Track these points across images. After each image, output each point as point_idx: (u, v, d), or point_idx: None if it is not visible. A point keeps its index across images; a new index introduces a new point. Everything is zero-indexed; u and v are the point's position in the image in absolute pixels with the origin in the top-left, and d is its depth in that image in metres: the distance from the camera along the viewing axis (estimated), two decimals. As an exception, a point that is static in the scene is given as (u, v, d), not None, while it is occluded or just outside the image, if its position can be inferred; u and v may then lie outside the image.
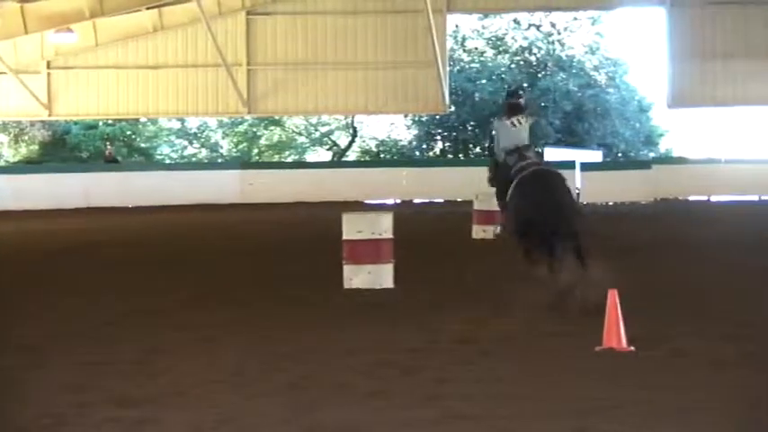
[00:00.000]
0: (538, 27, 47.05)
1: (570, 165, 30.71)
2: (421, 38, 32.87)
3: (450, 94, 36.75)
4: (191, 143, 51.45)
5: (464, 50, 47.58)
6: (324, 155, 50.64)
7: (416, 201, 31.55)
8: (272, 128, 50.94)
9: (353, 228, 12.68)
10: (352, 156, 49.46)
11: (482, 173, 13.18)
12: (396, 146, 49.23)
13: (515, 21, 46.87)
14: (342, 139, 50.72)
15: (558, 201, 11.22)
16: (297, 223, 24.71)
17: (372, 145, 50.29)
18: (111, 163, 36.49)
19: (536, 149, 13.55)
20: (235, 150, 50.87)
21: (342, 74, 34.31)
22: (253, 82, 34.55)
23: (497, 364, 8.37)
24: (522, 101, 12.30)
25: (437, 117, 44.33)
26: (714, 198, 31.22)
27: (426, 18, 30.99)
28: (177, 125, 50.27)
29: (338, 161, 46.12)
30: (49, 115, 35.80)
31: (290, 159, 49.48)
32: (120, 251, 19.00)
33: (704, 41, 33.20)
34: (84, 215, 28.93)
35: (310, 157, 50.72)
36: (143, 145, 48.98)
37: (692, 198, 31.23)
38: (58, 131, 44.47)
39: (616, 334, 8.65)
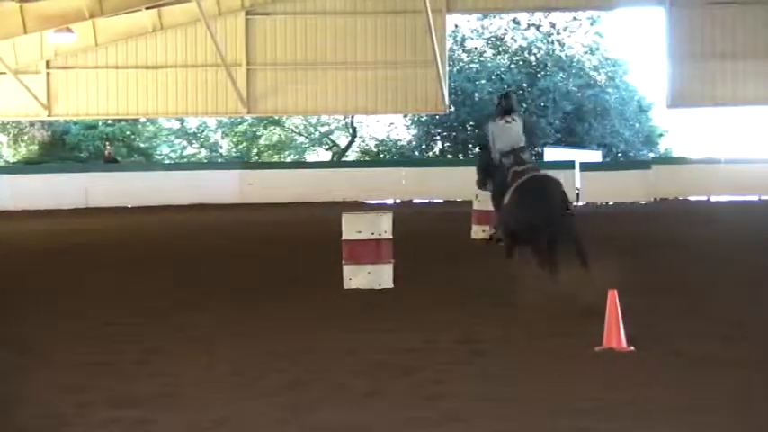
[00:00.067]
0: (537, 27, 47.01)
1: (570, 165, 30.79)
2: (420, 38, 32.84)
3: (450, 94, 36.75)
4: (190, 143, 51.41)
5: (464, 50, 47.53)
6: (323, 155, 50.61)
7: (416, 201, 31.53)
8: (272, 128, 50.91)
9: (353, 228, 12.69)
10: (351, 156, 49.43)
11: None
12: (395, 146, 49.18)
13: (515, 21, 46.85)
14: (341, 140, 50.70)
15: (555, 207, 11.54)
16: (296, 223, 24.68)
17: (372, 145, 50.24)
18: (110, 163, 36.46)
19: (531, 151, 13.88)
20: (234, 150, 50.82)
21: (341, 74, 34.28)
22: (252, 82, 34.52)
23: (497, 365, 8.38)
24: (513, 102, 12.78)
25: (437, 117, 44.32)
26: (714, 198, 31.18)
27: (426, 18, 30.97)
28: (177, 125, 50.22)
29: (338, 161, 46.04)
30: (49, 115, 35.75)
31: (289, 159, 49.45)
32: (119, 251, 19.00)
33: (704, 41, 33.17)
34: (83, 215, 28.92)
35: (310, 157, 50.68)
36: (142, 145, 48.91)
37: (691, 198, 31.20)
38: (57, 131, 44.39)
39: (616, 334, 8.66)
